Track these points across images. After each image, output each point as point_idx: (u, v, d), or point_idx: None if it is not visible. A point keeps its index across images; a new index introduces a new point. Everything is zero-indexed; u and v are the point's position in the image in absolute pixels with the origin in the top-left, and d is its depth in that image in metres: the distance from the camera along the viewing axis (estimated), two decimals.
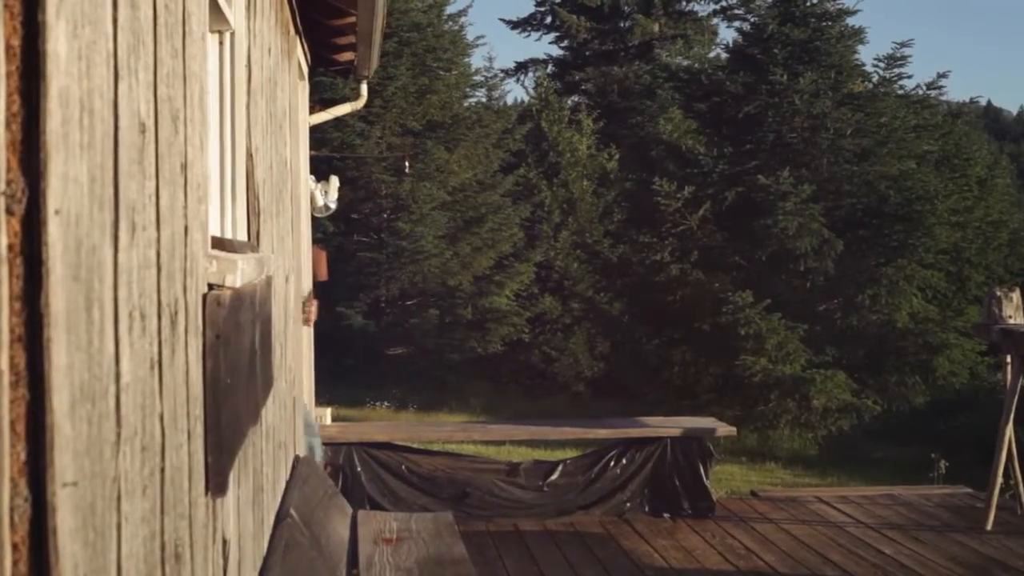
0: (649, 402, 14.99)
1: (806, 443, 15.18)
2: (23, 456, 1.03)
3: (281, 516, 3.75)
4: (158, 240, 1.60)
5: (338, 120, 17.68)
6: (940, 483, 9.29)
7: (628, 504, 7.43)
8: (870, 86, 16.68)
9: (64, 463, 1.07)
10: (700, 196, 16.17)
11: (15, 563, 1.01)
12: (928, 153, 16.45)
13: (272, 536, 3.46)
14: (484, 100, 23.62)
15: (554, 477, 7.38)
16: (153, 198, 1.57)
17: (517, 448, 12.44)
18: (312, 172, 7.61)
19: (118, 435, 1.30)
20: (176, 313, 1.74)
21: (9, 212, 1.02)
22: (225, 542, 2.35)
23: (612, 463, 7.44)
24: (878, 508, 7.80)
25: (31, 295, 1.04)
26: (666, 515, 7.40)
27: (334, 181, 7.45)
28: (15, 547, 1.01)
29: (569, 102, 25.60)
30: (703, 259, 16.11)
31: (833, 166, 15.90)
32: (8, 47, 1.01)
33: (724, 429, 7.76)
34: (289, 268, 4.75)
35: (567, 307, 21.29)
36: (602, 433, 7.75)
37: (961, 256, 16.44)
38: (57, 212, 1.06)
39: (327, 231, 18.26)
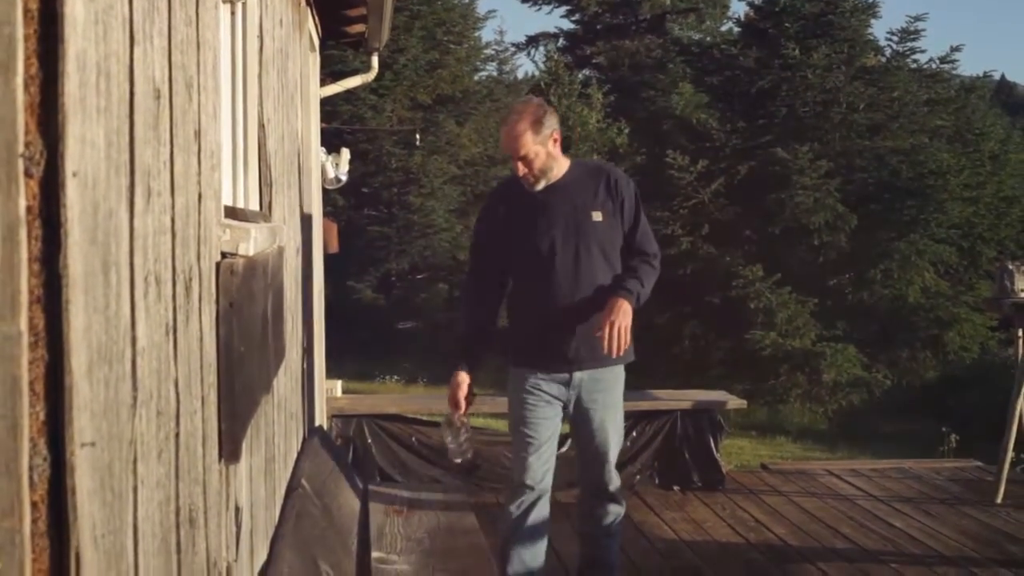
0: (659, 376, 14.98)
1: (816, 417, 15.19)
2: (42, 416, 1.04)
3: (293, 486, 3.77)
4: (173, 206, 1.61)
5: (349, 93, 17.67)
6: (950, 457, 9.29)
7: (638, 477, 7.43)
8: (883, 60, 16.61)
9: (82, 424, 1.08)
10: (713, 170, 16.14)
11: (34, 521, 1.02)
12: (941, 128, 16.40)
13: (284, 506, 3.48)
14: (495, 74, 23.59)
15: (564, 449, 7.37)
16: (168, 164, 1.58)
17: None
18: (323, 145, 7.61)
19: (135, 398, 1.31)
20: (190, 280, 1.75)
21: (28, 174, 1.02)
22: (238, 509, 2.37)
23: (623, 437, 7.45)
24: (888, 481, 7.80)
25: (49, 257, 1.05)
26: (676, 487, 7.41)
27: (345, 153, 7.45)
28: (34, 506, 1.02)
29: (580, 76, 25.51)
30: (714, 233, 16.09)
31: (845, 140, 15.86)
32: (26, 10, 1.01)
33: (734, 402, 7.76)
34: (300, 239, 4.76)
35: None
36: None
37: (973, 231, 16.38)
38: (75, 174, 1.07)
39: (337, 205, 18.27)
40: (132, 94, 1.34)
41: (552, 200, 4.15)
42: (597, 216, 4.16)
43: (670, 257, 16.15)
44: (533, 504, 4.28)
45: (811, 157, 15.12)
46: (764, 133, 15.97)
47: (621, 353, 4.07)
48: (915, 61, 16.71)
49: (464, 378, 4.24)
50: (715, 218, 16.14)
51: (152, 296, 1.43)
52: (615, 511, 4.42)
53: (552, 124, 4.13)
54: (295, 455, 4.21)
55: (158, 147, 1.51)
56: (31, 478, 1.02)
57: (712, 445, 7.49)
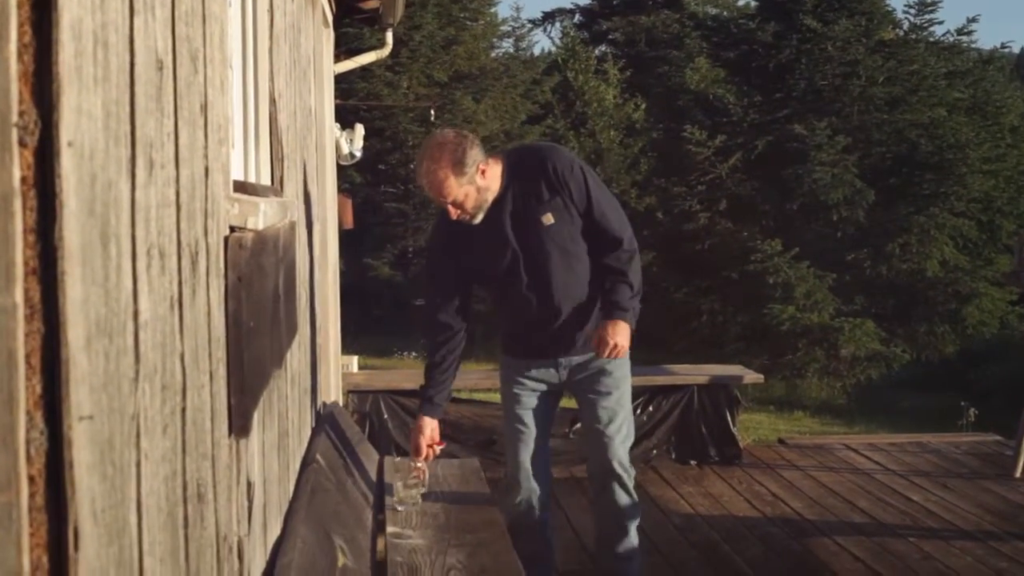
0: (676, 351, 14.97)
1: (834, 392, 15.15)
2: (39, 389, 1.02)
3: (307, 461, 3.77)
4: (177, 179, 1.60)
5: (365, 71, 17.66)
6: (969, 431, 9.25)
7: (655, 451, 7.44)
8: (901, 33, 16.49)
9: (80, 397, 1.07)
10: (730, 145, 16.07)
11: (32, 496, 1.01)
12: (959, 101, 16.27)
13: (298, 480, 3.48)
14: (511, 51, 23.52)
15: (580, 424, 7.38)
16: (172, 136, 1.56)
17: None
18: (339, 122, 7.60)
19: (137, 372, 1.30)
20: (197, 254, 1.73)
21: (22, 144, 1.01)
22: (250, 484, 2.36)
23: (638, 410, 7.44)
24: (906, 455, 7.79)
25: (45, 228, 1.04)
26: (693, 462, 7.41)
27: (359, 129, 7.43)
28: (32, 480, 1.01)
29: (596, 52, 25.40)
30: (732, 208, 16.04)
31: (864, 114, 15.76)
32: None
33: (751, 376, 7.75)
34: (314, 215, 4.75)
35: None
36: None
37: (992, 205, 16.28)
38: (70, 144, 1.06)
39: (355, 182, 18.27)
40: (132, 65, 1.32)
41: (497, 223, 4.01)
42: (548, 220, 4.00)
43: (687, 232, 16.13)
44: (528, 499, 4.33)
45: (829, 133, 15.03)
46: (782, 107, 15.88)
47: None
48: (932, 34, 16.58)
49: (428, 423, 4.23)
50: (732, 193, 16.07)
51: (156, 269, 1.42)
52: (621, 495, 4.36)
53: (475, 158, 3.89)
54: (310, 430, 4.21)
55: (161, 119, 1.49)
56: (28, 452, 1.00)
57: (729, 419, 7.49)
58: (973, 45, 18.00)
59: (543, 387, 4.28)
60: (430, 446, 4.23)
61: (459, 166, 3.85)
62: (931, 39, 16.60)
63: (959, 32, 16.74)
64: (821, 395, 14.97)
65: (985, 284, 15.56)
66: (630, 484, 4.38)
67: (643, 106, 22.27)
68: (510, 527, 4.12)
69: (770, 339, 15.11)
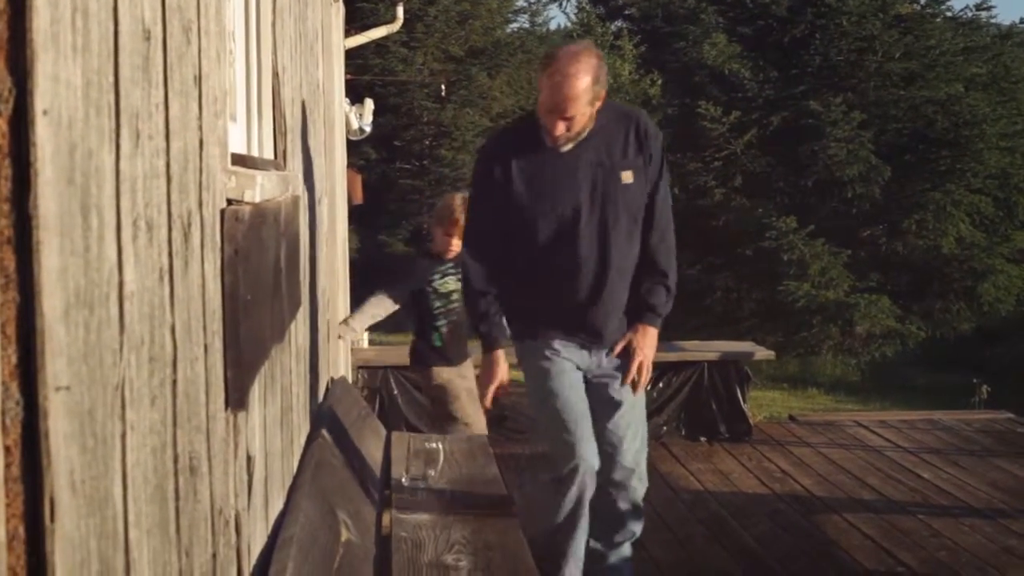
0: (690, 328, 14.94)
1: (849, 369, 15.12)
2: (14, 359, 1.02)
3: (312, 436, 3.77)
4: (168, 151, 1.59)
5: (380, 47, 17.61)
6: (982, 408, 9.22)
7: (665, 428, 7.43)
8: (917, 8, 16.35)
9: (57, 368, 1.06)
10: (745, 121, 15.99)
11: (7, 465, 1.00)
12: (976, 76, 16.13)
13: (303, 455, 3.48)
14: (527, 26, 23.39)
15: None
16: (161, 108, 1.55)
17: None
18: (354, 98, 7.58)
19: (121, 343, 1.29)
20: (190, 226, 1.72)
21: None
22: (250, 458, 2.36)
23: (649, 387, 7.43)
24: (917, 433, 7.77)
25: (20, 197, 1.03)
26: (703, 439, 7.41)
27: (368, 104, 7.41)
28: (7, 450, 1.01)
29: (612, 27, 25.26)
30: (747, 184, 15.96)
31: (880, 90, 15.64)
32: None
33: (762, 353, 7.73)
34: (322, 190, 4.74)
35: None
36: None
37: (1009, 181, 16.14)
38: (46, 113, 1.05)
39: (370, 158, 18.25)
40: (117, 34, 1.31)
41: (578, 159, 3.66)
42: (627, 177, 3.67)
43: (702, 208, 16.05)
44: (584, 489, 3.81)
45: (845, 109, 14.93)
46: (797, 83, 15.77)
47: (640, 390, 3.85)
48: (950, 8, 16.49)
49: (499, 362, 3.84)
50: (747, 169, 15.99)
51: (143, 240, 1.41)
52: (631, 499, 3.98)
53: (605, 80, 3.62)
54: (316, 405, 4.22)
55: (149, 89, 1.48)
56: (3, 422, 1.00)
57: (739, 396, 7.48)
58: (992, 20, 17.84)
59: (577, 368, 3.85)
60: (499, 387, 3.86)
61: (597, 80, 3.57)
62: (948, 14, 16.47)
63: (977, 7, 16.61)
64: (835, 372, 14.94)
65: (1001, 261, 15.47)
66: (641, 495, 4.02)
67: (659, 82, 22.16)
68: (563, 534, 3.85)
69: (784, 316, 15.06)
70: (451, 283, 5.36)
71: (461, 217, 5.01)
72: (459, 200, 5.31)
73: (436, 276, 5.40)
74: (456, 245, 5.11)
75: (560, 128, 3.59)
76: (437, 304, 5.41)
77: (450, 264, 5.35)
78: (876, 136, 15.19)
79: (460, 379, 5.48)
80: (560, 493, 3.80)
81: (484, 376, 3.89)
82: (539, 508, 4.05)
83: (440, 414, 5.55)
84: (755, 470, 6.74)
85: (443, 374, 5.45)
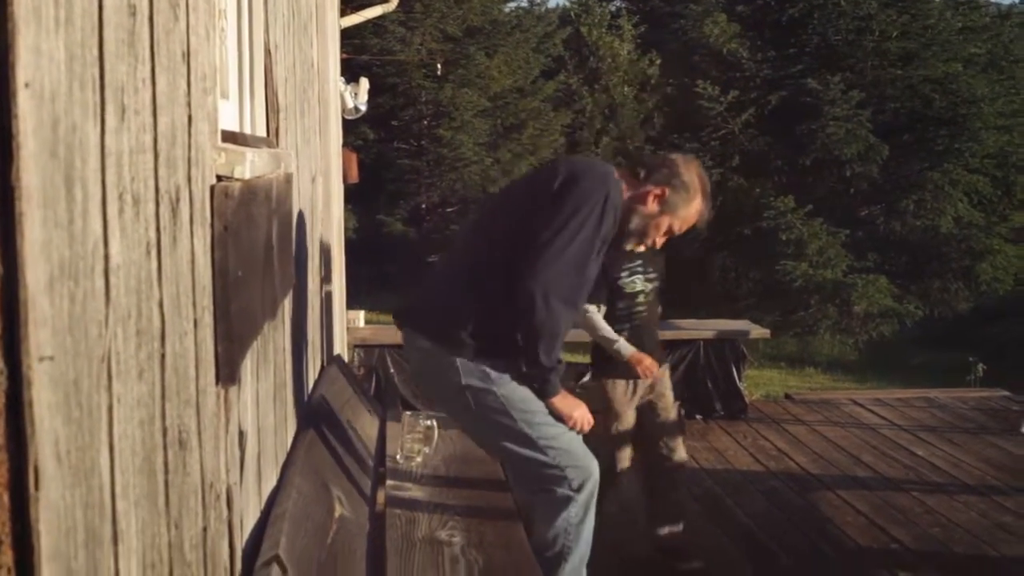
0: (688, 307, 14.95)
1: (846, 349, 15.14)
2: None
3: (306, 413, 3.79)
4: (155, 126, 1.59)
5: (377, 26, 17.57)
6: (977, 387, 9.25)
7: None
8: None
9: (41, 338, 1.07)
10: (743, 100, 15.97)
11: None
12: (975, 56, 16.10)
13: (296, 432, 3.50)
14: (524, 5, 23.38)
15: (587, 379, 7.39)
16: (148, 83, 1.56)
17: None
18: (351, 78, 7.57)
19: (107, 316, 1.30)
20: (178, 201, 1.73)
21: None
22: (242, 434, 2.38)
23: None
24: (913, 411, 7.79)
25: (3, 170, 1.04)
26: (698, 416, 7.43)
27: (364, 83, 7.40)
28: None
29: (611, 7, 25.22)
30: (744, 164, 15.95)
31: (877, 70, 15.62)
32: None
33: (758, 331, 7.75)
34: (316, 168, 4.74)
35: None
36: None
37: (1007, 161, 16.14)
38: (27, 85, 1.05)
39: (368, 138, 18.23)
40: (101, 8, 1.32)
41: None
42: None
43: None
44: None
45: (843, 88, 14.91)
46: (795, 63, 15.75)
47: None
48: None
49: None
50: (745, 149, 15.98)
51: (129, 215, 1.42)
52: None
53: None
54: (311, 383, 4.23)
55: (135, 64, 1.49)
56: None
57: (735, 375, 7.50)
58: (991, 0, 17.79)
59: None
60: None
61: None
62: None
63: None
64: (833, 352, 14.96)
65: (999, 241, 15.48)
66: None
67: (658, 61, 22.13)
68: (583, 552, 3.66)
69: (782, 295, 15.08)
70: (639, 283, 4.78)
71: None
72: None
73: (624, 273, 4.76)
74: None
75: (659, 242, 3.75)
76: (620, 306, 4.76)
77: (639, 261, 4.78)
78: (874, 115, 15.17)
79: (632, 397, 4.87)
80: (581, 509, 3.64)
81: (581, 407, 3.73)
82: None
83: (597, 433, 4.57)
84: (750, 448, 6.76)
85: (617, 388, 4.85)
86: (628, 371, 4.75)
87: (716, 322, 8.32)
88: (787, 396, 8.48)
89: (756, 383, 9.29)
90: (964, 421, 7.47)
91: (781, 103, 15.62)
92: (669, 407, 4.96)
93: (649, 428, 4.93)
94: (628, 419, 4.88)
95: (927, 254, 15.45)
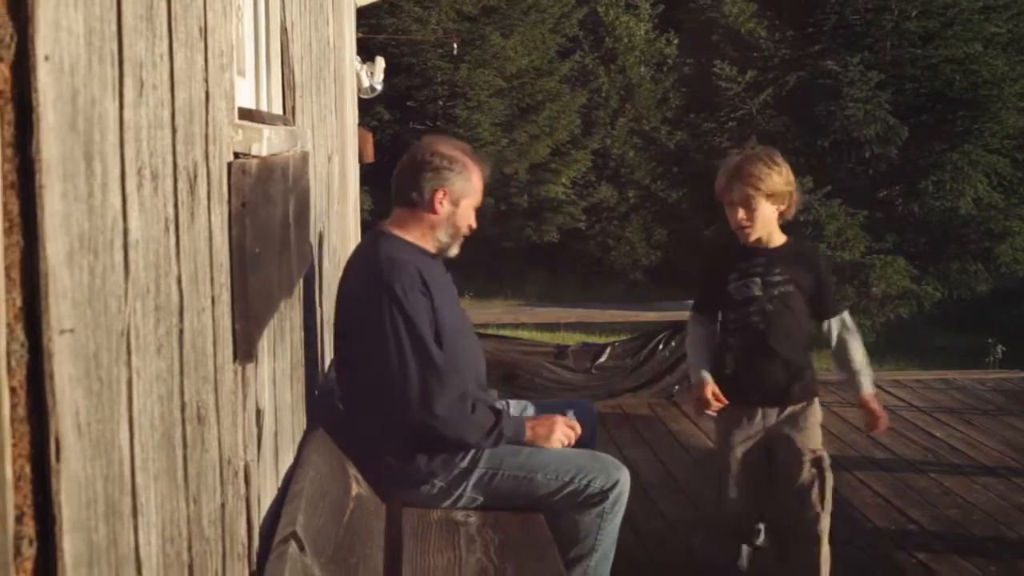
0: None
1: (864, 330, 15.02)
2: (19, 302, 1.03)
3: (323, 392, 3.80)
4: (172, 102, 1.59)
5: (393, 6, 17.56)
6: (996, 368, 9.21)
7: (676, 387, 7.45)
8: None
9: (62, 311, 1.08)
10: (761, 81, 15.90)
11: (13, 406, 1.02)
12: (996, 35, 15.96)
13: (313, 411, 3.50)
14: None
15: (602, 360, 7.41)
16: (166, 59, 1.56)
17: (572, 335, 12.51)
18: (364, 57, 7.56)
19: (126, 290, 1.30)
20: (196, 178, 1.73)
21: None
22: (259, 411, 2.38)
23: (660, 346, 7.45)
24: (931, 392, 7.77)
25: (23, 142, 1.04)
26: None
27: (379, 62, 7.39)
28: (13, 391, 1.02)
29: None
30: (762, 144, 15.85)
31: (896, 49, 15.51)
32: None
33: None
34: (332, 147, 4.74)
35: (624, 195, 21.16)
36: (651, 316, 7.76)
37: None
38: (47, 58, 1.06)
39: (383, 119, 18.23)
40: None
41: None
42: None
43: (717, 169, 15.96)
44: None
45: (861, 68, 14.82)
46: (813, 42, 15.65)
47: None
48: None
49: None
50: (763, 130, 15.90)
51: (147, 190, 1.42)
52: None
53: None
54: (327, 362, 4.24)
55: (153, 40, 1.49)
56: (9, 363, 1.02)
57: None
58: None
59: None
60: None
61: None
62: None
63: None
64: None
65: (1019, 222, 15.37)
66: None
67: (675, 41, 22.04)
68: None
69: None
70: (755, 287, 3.87)
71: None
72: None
73: (734, 276, 3.91)
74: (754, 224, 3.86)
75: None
76: (731, 317, 3.93)
77: (761, 260, 3.89)
78: (893, 96, 15.08)
79: (745, 425, 3.95)
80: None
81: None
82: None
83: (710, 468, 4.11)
84: None
85: (730, 417, 3.96)
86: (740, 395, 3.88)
87: None
88: None
89: None
90: (983, 403, 7.44)
91: (799, 83, 15.54)
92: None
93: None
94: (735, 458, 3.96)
95: (946, 235, 15.36)
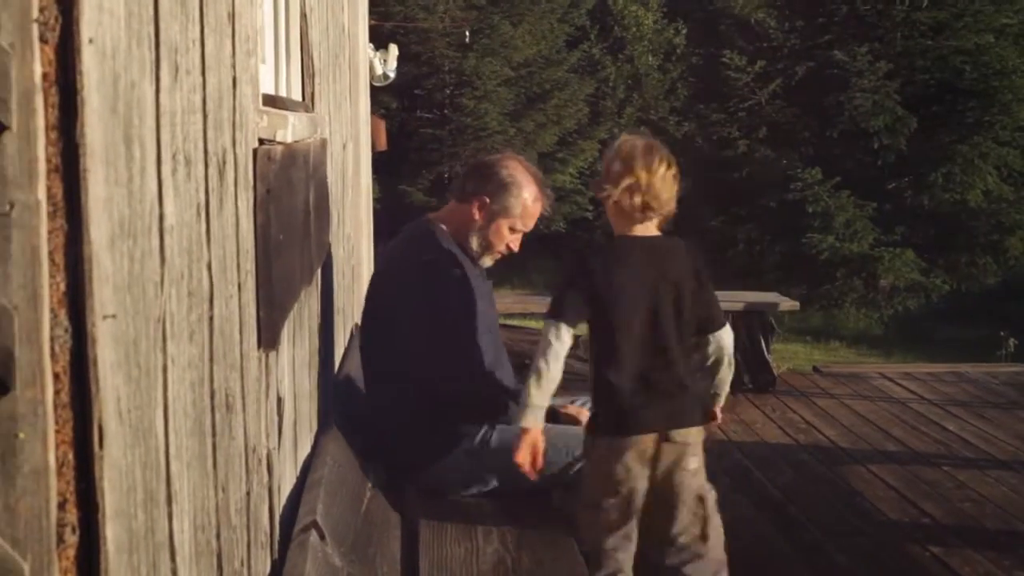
0: (714, 280, 14.84)
1: (872, 322, 15.05)
2: (62, 287, 1.02)
3: (339, 380, 3.79)
4: (203, 86, 1.58)
5: None
6: (1008, 362, 9.19)
7: None
8: None
9: (104, 296, 1.07)
10: (770, 71, 15.86)
11: (57, 392, 1.01)
12: (1007, 26, 15.89)
13: (330, 399, 3.49)
14: None
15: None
16: (198, 43, 1.55)
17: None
18: (375, 45, 7.54)
19: (162, 276, 1.29)
20: (224, 164, 1.72)
21: (43, 40, 1.00)
22: (280, 399, 2.37)
23: None
24: (943, 385, 7.75)
25: (67, 126, 1.03)
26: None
27: (392, 49, 7.37)
28: (56, 377, 1.01)
29: None
30: (771, 135, 15.84)
31: (907, 40, 15.46)
32: None
33: (787, 304, 7.71)
34: (347, 135, 4.73)
35: None
36: None
37: None
38: (91, 41, 1.04)
39: (390, 107, 18.17)
40: None
41: None
42: None
43: (726, 159, 15.95)
44: None
45: (871, 59, 14.77)
46: (823, 33, 15.60)
47: None
48: None
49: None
50: (772, 120, 15.87)
51: (181, 175, 1.41)
52: None
53: None
54: (343, 350, 4.23)
55: (187, 24, 1.47)
56: (52, 349, 1.01)
57: (764, 347, 7.47)
58: None
59: None
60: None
61: None
62: None
63: None
64: (859, 325, 14.88)
65: None
66: None
67: (683, 31, 21.96)
68: None
69: (808, 268, 14.99)
70: None
71: None
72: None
73: None
74: None
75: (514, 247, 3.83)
76: None
77: None
78: (902, 87, 15.03)
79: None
80: None
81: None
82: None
83: None
84: (779, 421, 6.74)
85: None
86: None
87: (745, 294, 8.28)
88: (815, 369, 8.44)
89: (781, 357, 9.23)
90: (995, 396, 7.42)
91: (808, 74, 15.50)
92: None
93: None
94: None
95: (955, 228, 15.33)
